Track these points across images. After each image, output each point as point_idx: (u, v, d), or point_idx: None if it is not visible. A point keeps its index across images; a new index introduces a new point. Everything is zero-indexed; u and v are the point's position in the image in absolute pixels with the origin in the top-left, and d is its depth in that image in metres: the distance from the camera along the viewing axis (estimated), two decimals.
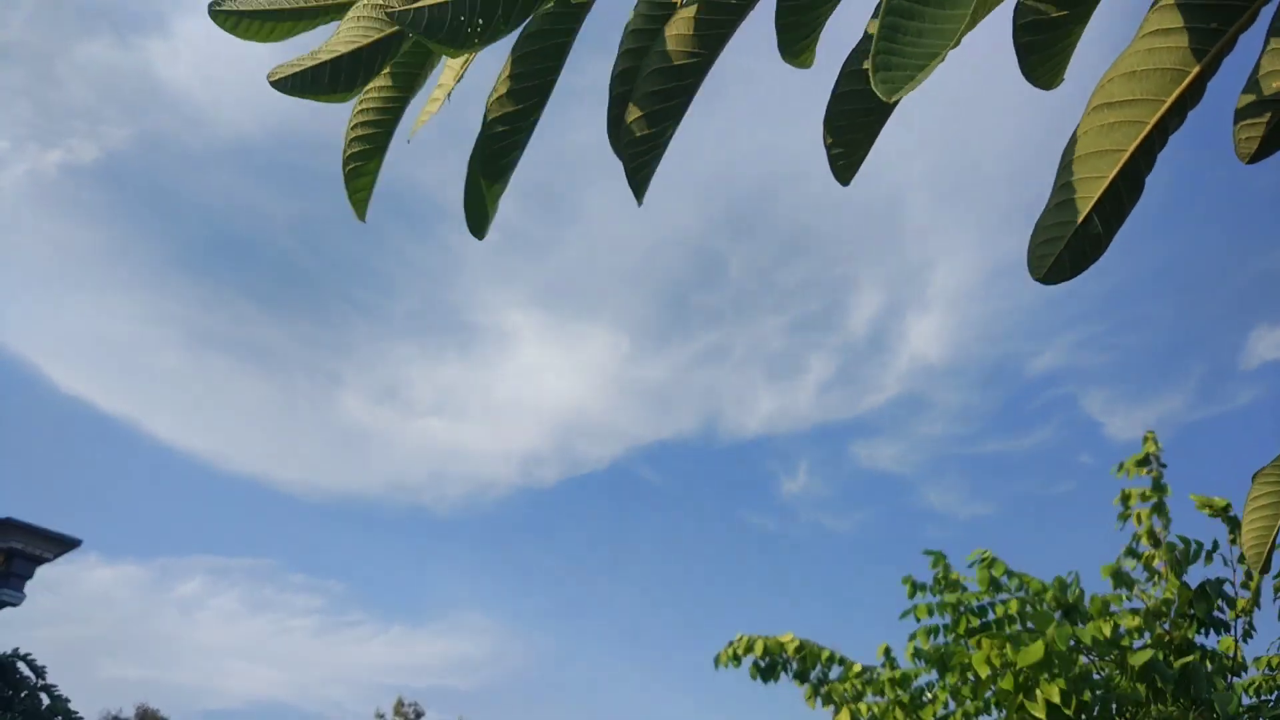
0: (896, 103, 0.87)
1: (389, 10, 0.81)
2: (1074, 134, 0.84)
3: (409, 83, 1.01)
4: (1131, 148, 0.82)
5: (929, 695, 5.06)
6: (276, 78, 0.91)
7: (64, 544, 12.75)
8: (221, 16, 0.91)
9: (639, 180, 0.95)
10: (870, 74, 0.63)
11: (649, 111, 0.93)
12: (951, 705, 4.91)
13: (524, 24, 0.90)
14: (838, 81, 0.91)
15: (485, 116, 0.96)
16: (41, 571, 12.61)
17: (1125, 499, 5.23)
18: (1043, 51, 0.94)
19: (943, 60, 0.63)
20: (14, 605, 12.16)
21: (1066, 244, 0.84)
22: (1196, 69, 0.78)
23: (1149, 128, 0.81)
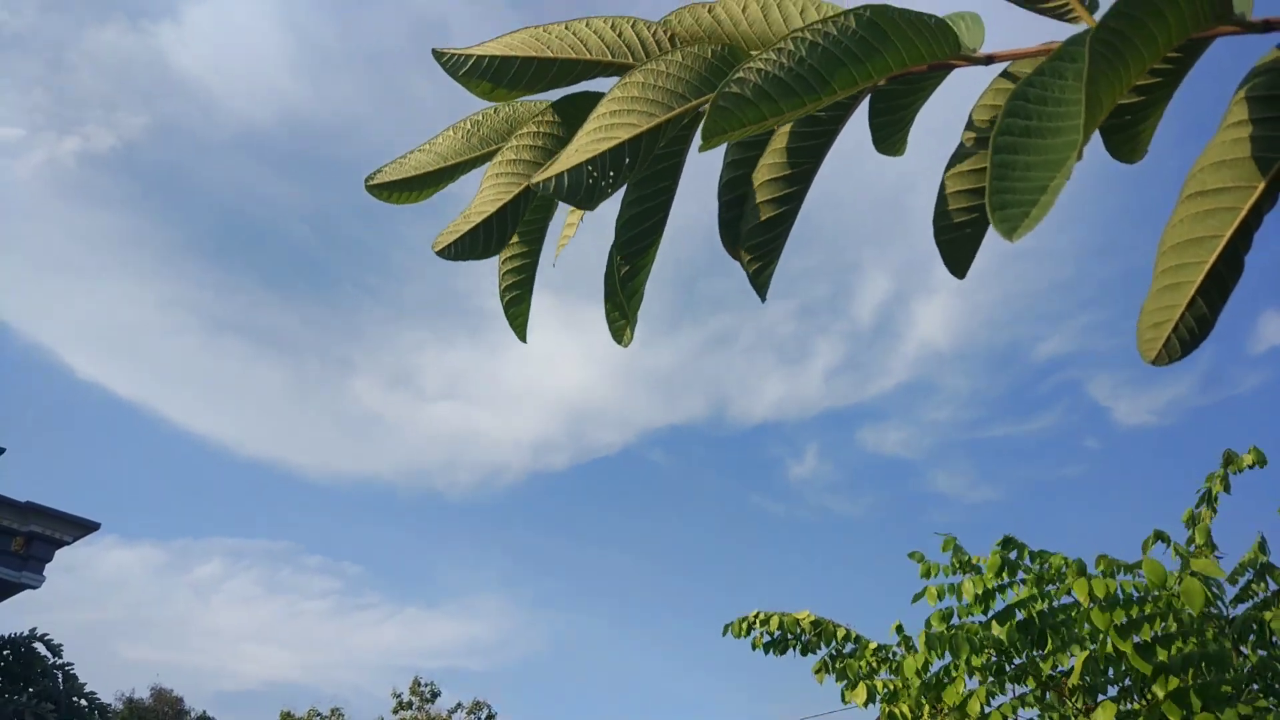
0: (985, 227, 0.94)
1: (531, 184, 0.90)
2: (1170, 220, 0.89)
3: (542, 231, 1.12)
4: (1228, 234, 0.87)
5: (950, 676, 5.02)
6: (440, 248, 1.02)
7: (83, 527, 12.86)
8: (377, 190, 1.02)
9: (761, 282, 1.03)
10: (990, 214, 0.70)
11: (768, 218, 1.01)
12: (972, 683, 4.87)
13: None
14: (942, 186, 0.98)
15: (614, 241, 1.05)
16: (60, 554, 12.75)
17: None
18: (1125, 133, 1.00)
19: (1059, 194, 0.70)
20: (34, 588, 12.31)
21: (1174, 328, 0.89)
22: None
23: (1244, 213, 0.86)
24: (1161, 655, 3.85)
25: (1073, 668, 4.47)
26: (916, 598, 5.42)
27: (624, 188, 1.05)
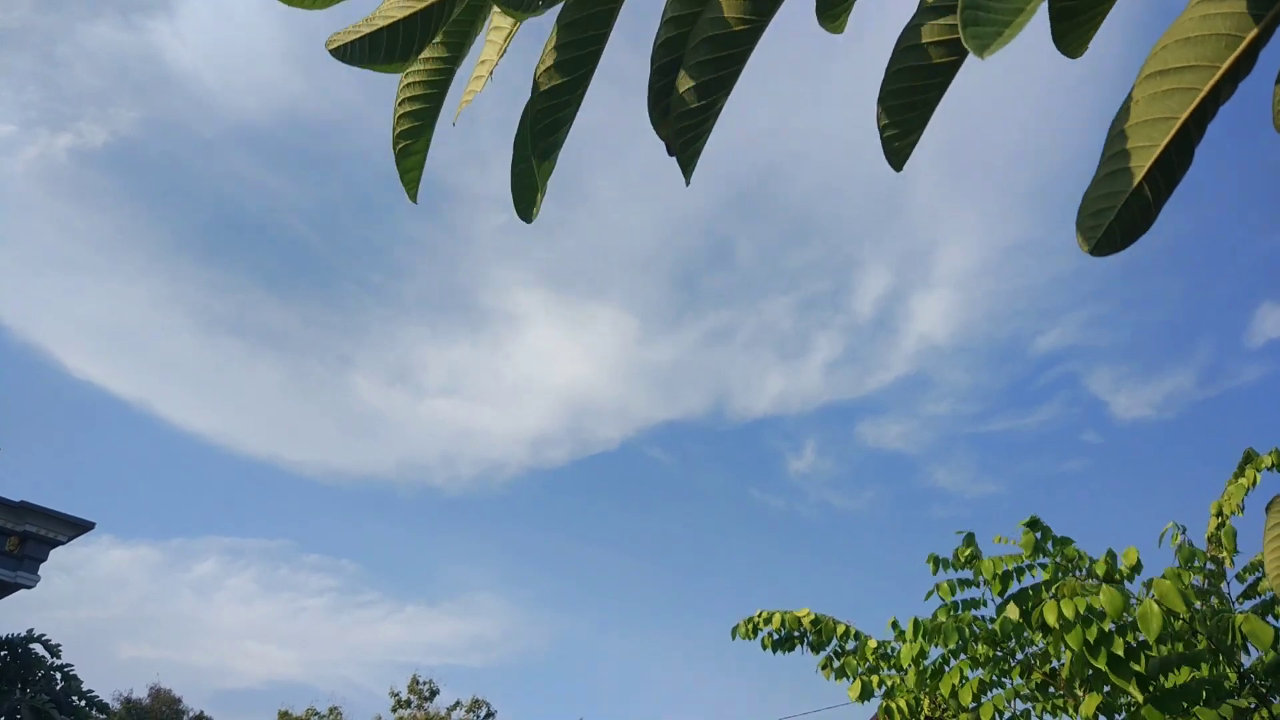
0: (952, 77, 0.88)
1: None
2: (1126, 101, 0.84)
3: (457, 52, 1.01)
4: (1184, 115, 0.82)
5: (947, 665, 5.07)
6: (335, 45, 0.91)
7: (77, 526, 12.81)
8: None
9: (688, 156, 0.96)
10: (960, 30, 0.64)
11: (700, 82, 0.94)
12: (970, 674, 4.90)
13: None
14: (893, 57, 0.91)
15: (534, 89, 0.96)
16: (56, 554, 12.70)
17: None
18: (1075, 18, 0.95)
19: (1033, 14, 0.64)
20: (29, 587, 12.24)
21: (1117, 214, 0.84)
22: (1253, 33, 0.78)
23: (1202, 95, 0.82)
24: (1137, 667, 3.90)
25: (1063, 664, 4.55)
26: (929, 595, 5.44)
27: (553, 31, 0.96)
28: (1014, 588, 4.89)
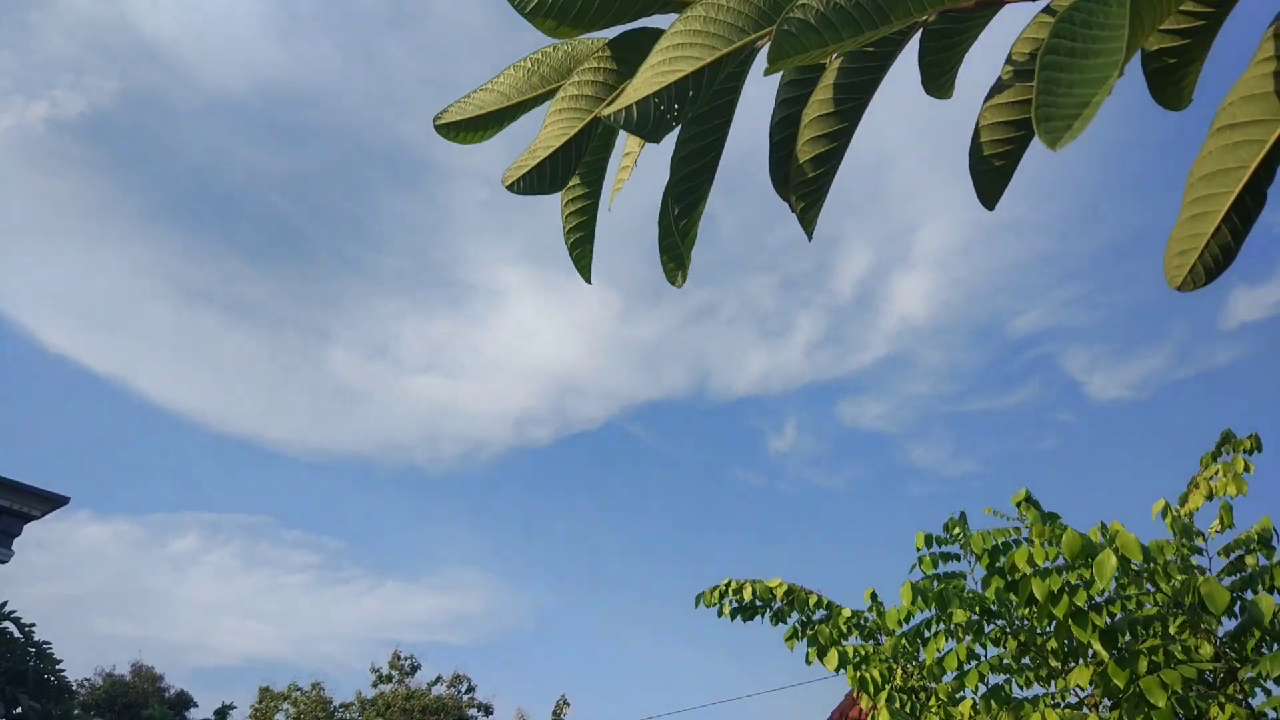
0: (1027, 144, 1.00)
1: (602, 116, 0.96)
2: (1200, 153, 0.95)
3: (601, 169, 1.18)
4: (1254, 164, 0.93)
5: (928, 633, 5.05)
6: (510, 182, 1.09)
7: (52, 501, 12.76)
8: (445, 130, 1.09)
9: (809, 218, 1.09)
10: (1035, 125, 0.76)
11: (814, 155, 1.07)
12: (950, 644, 4.89)
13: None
14: (980, 118, 1.04)
15: (671, 174, 1.11)
16: (31, 529, 12.64)
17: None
18: (1171, 76, 1.06)
19: (1100, 107, 0.76)
20: (2, 562, 12.20)
21: (1200, 254, 0.95)
22: None
23: (1268, 145, 0.92)
24: (1098, 621, 3.92)
25: (1049, 632, 4.54)
26: (913, 568, 5.45)
27: (678, 129, 1.11)
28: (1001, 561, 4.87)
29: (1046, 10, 1.02)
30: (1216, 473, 5.22)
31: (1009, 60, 1.04)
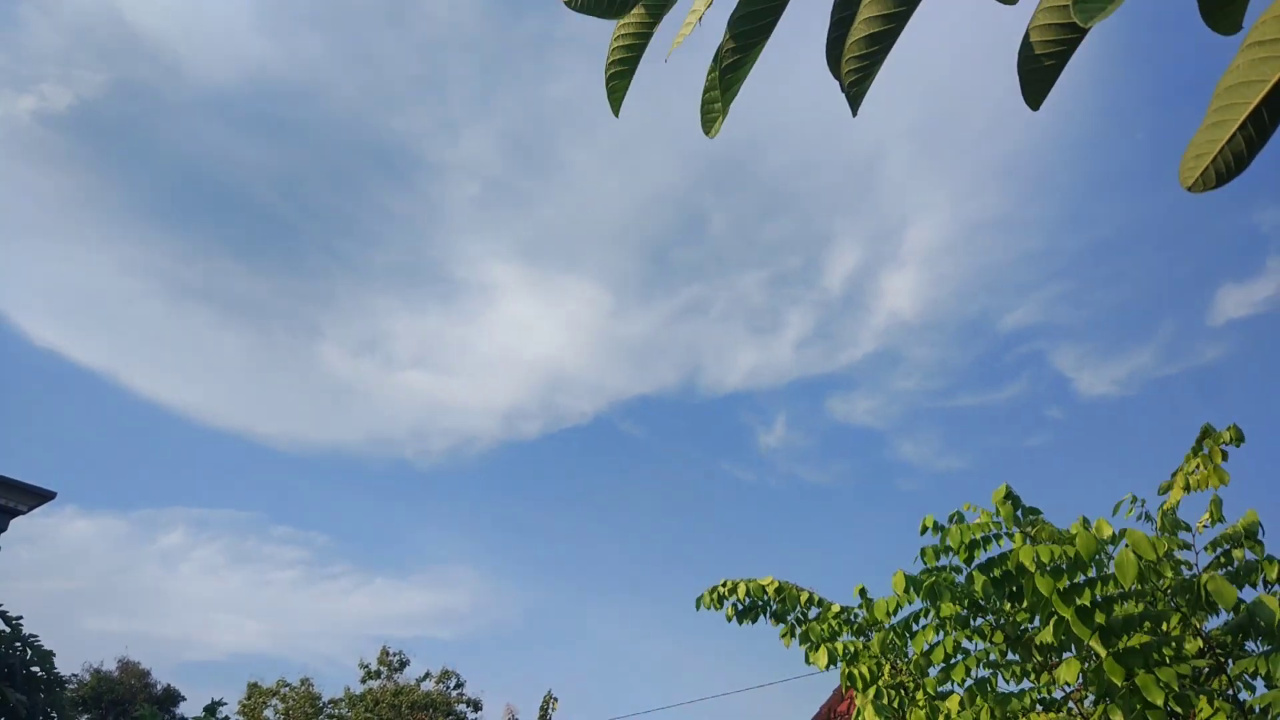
0: (1088, 31, 1.07)
1: None
2: (1229, 67, 1.03)
3: (662, 10, 1.24)
4: (1275, 78, 1.00)
5: (916, 626, 5.15)
6: None
7: (38, 496, 12.66)
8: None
9: (855, 94, 1.17)
10: (1071, 4, 0.83)
11: (869, 34, 1.15)
12: (938, 637, 4.99)
13: None
14: (1033, 19, 1.11)
15: (726, 32, 1.19)
16: (17, 524, 12.59)
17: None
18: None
19: None
20: None
21: (1214, 158, 1.03)
22: None
23: None
24: (1100, 619, 4.01)
25: (1036, 627, 4.62)
26: (915, 559, 5.51)
27: None
28: (981, 557, 4.88)
29: None
30: (1196, 466, 5.30)
31: None
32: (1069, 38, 1.11)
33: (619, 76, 1.27)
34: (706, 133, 1.27)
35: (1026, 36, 1.13)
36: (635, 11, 1.23)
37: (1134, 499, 5.32)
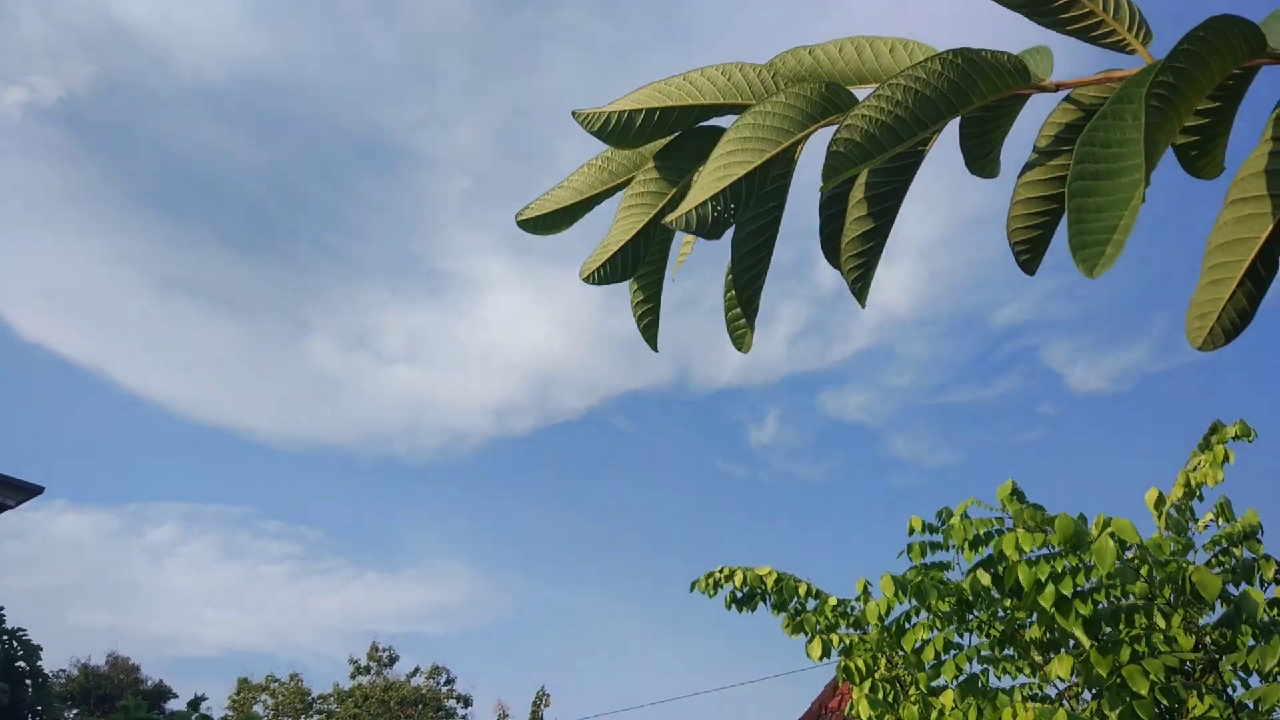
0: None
1: (665, 222, 1.07)
2: (1215, 224, 1.06)
3: (666, 251, 1.30)
4: (1264, 235, 1.03)
5: (910, 622, 5.11)
6: (586, 274, 1.21)
7: (26, 491, 12.60)
8: (527, 225, 1.21)
9: (860, 287, 1.21)
10: (1072, 255, 0.87)
11: (862, 231, 1.19)
12: (932, 634, 4.94)
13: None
14: (1015, 191, 1.14)
15: (733, 253, 1.23)
16: (5, 519, 12.62)
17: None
18: (1199, 150, 1.15)
19: (1130, 232, 0.86)
20: None
21: (1218, 317, 1.06)
22: None
23: (1277, 219, 1.02)
24: (1085, 609, 3.97)
25: (1033, 622, 4.59)
26: (901, 554, 5.44)
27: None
28: (985, 553, 4.82)
29: (1068, 100, 1.11)
30: (1199, 464, 5.26)
31: (1038, 141, 1.14)
32: (1052, 209, 1.15)
33: (648, 318, 1.34)
34: (740, 350, 1.32)
35: (1011, 210, 1.16)
36: (644, 265, 1.29)
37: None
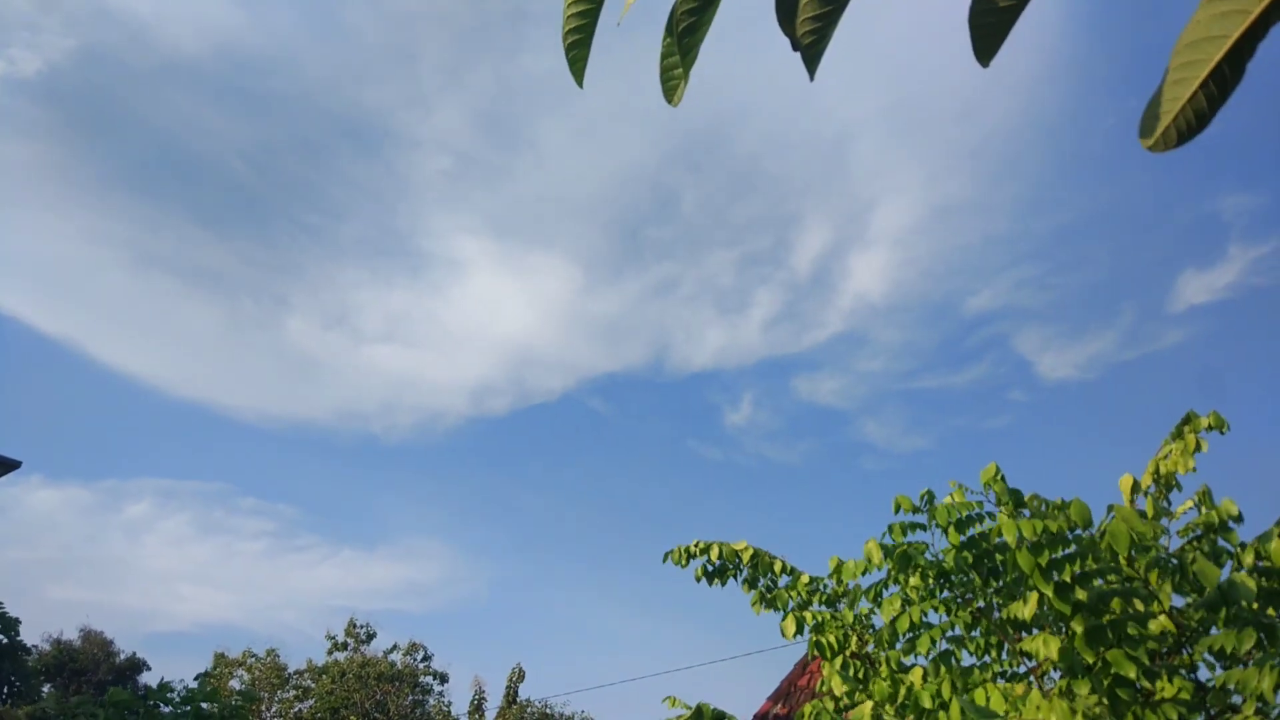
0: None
1: None
2: (1189, 22, 1.00)
3: None
4: (1236, 34, 0.98)
5: (885, 591, 5.18)
6: None
7: (3, 465, 12.65)
8: None
9: (811, 55, 1.13)
10: None
11: None
12: (904, 608, 5.01)
13: None
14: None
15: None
16: None
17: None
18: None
19: None
20: None
21: (1175, 117, 1.00)
22: None
23: (1252, 17, 0.97)
24: (1080, 595, 4.03)
25: (1015, 602, 4.64)
26: (884, 535, 5.49)
27: None
28: (968, 533, 4.89)
29: None
30: (1170, 452, 5.33)
31: None
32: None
33: (577, 46, 1.23)
34: (669, 101, 1.24)
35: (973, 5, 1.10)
36: None
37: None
